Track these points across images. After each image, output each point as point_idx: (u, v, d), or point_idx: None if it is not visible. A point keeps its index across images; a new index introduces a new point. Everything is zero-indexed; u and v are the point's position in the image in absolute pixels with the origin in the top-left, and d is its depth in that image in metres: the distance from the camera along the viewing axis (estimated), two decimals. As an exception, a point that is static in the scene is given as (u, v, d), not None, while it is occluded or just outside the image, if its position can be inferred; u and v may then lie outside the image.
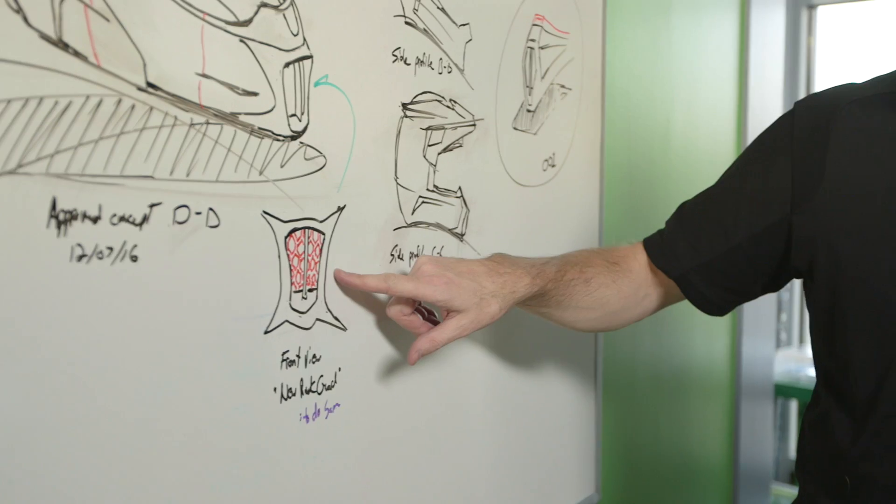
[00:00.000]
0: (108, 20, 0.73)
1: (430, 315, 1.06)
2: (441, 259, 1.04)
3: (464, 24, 1.19)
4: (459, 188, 1.21)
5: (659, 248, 1.26)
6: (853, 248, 1.07)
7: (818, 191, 1.10)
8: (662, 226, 1.29)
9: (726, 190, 1.24)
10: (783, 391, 3.54)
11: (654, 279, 1.28)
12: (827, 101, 1.14)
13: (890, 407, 1.07)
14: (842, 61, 3.96)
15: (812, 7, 3.98)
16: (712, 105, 2.38)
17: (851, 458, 1.11)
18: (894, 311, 1.04)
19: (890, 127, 1.08)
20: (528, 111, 1.36)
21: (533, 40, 1.36)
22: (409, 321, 1.03)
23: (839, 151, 1.09)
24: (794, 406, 4.04)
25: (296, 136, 0.93)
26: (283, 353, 0.94)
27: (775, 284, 1.24)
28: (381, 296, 1.07)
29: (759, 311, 2.83)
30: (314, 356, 0.98)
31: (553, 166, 1.45)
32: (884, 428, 1.08)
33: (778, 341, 3.98)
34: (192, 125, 0.81)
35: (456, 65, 1.18)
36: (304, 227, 0.96)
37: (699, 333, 2.39)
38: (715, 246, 1.20)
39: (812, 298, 1.16)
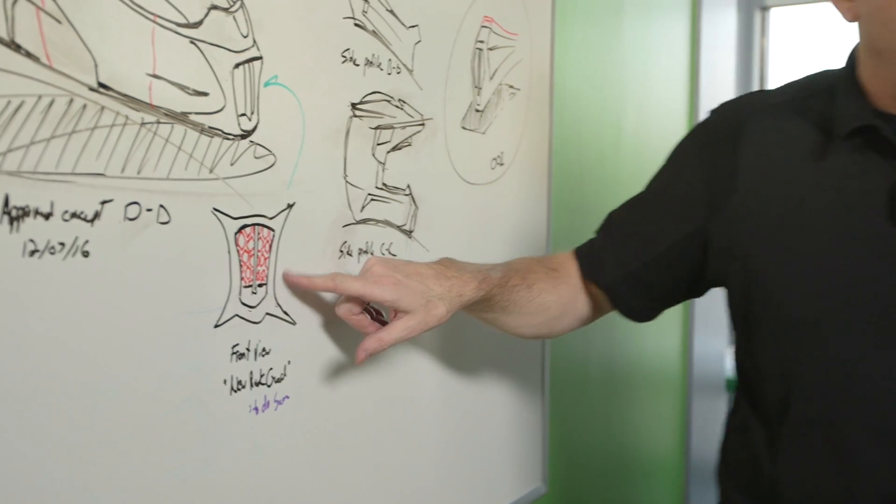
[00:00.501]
0: (59, 22, 0.76)
1: (378, 315, 1.08)
2: (390, 260, 1.06)
3: (413, 26, 1.22)
4: (408, 186, 1.24)
5: (588, 259, 1.30)
6: (764, 258, 1.10)
7: (732, 199, 1.13)
8: None
9: (649, 198, 1.27)
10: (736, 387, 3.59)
11: (587, 288, 1.31)
12: (738, 109, 1.19)
13: (800, 413, 1.10)
14: (795, 63, 4.03)
15: (765, 9, 4.05)
16: (664, 106, 2.43)
17: (769, 463, 1.14)
18: (801, 322, 1.08)
19: (796, 134, 1.11)
20: (477, 111, 1.40)
21: (482, 42, 1.39)
22: (357, 320, 1.05)
23: (750, 159, 1.13)
24: (746, 401, 4.09)
25: (245, 135, 0.96)
26: (234, 347, 0.96)
27: (697, 291, 1.28)
28: (330, 294, 1.10)
29: (711, 307, 2.89)
30: (264, 349, 1.00)
31: (501, 165, 1.49)
32: (797, 434, 1.11)
33: (731, 337, 4.04)
34: (143, 124, 0.83)
35: (405, 65, 1.21)
36: (254, 224, 0.98)
37: (651, 329, 2.44)
38: (640, 255, 1.24)
39: (729, 305, 1.20)
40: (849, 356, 1.06)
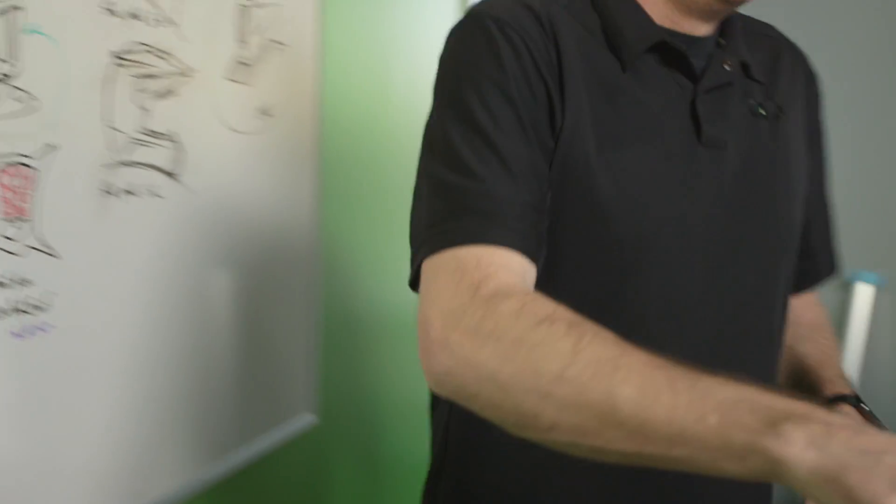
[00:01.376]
0: None
1: None
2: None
3: (177, -18, 1.30)
4: (173, 132, 1.32)
5: (516, 234, 0.91)
6: (587, 181, 0.97)
7: (562, 113, 0.97)
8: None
9: (507, 125, 0.95)
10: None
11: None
12: (521, 10, 0.99)
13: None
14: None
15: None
16: (433, 59, 2.55)
17: None
18: (619, 247, 0.98)
19: (591, 44, 1.00)
20: (244, 64, 1.49)
21: (248, -1, 1.49)
22: None
23: (568, 64, 0.98)
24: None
25: (4, 79, 1.02)
26: (-6, 276, 1.03)
27: None
28: (96, 225, 1.17)
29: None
30: (25, 280, 1.07)
31: (270, 116, 1.58)
32: None
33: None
34: None
35: (169, 18, 1.29)
36: (16, 163, 1.05)
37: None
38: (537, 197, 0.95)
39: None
40: (668, 283, 1.00)
